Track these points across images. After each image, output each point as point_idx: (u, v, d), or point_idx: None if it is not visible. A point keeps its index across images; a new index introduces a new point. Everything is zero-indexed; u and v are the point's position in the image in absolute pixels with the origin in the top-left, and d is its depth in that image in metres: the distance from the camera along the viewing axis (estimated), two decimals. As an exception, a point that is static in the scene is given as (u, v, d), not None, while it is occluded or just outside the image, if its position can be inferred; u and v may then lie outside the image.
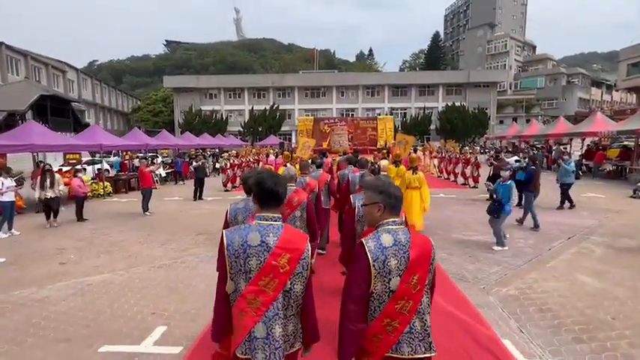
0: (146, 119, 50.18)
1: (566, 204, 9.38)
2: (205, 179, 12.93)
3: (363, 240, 1.75)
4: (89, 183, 12.68)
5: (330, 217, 5.86)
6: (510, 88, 56.93)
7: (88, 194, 12.57)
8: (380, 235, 1.75)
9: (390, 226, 1.78)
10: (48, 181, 8.58)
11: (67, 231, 8.10)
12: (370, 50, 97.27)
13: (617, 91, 61.03)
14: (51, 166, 9.27)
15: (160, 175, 17.44)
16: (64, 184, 11.26)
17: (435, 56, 70.68)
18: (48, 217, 8.66)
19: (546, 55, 60.04)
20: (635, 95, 52.13)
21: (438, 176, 17.79)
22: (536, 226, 7.22)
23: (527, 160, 8.80)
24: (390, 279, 1.69)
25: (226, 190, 14.33)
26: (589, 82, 55.94)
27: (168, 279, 4.99)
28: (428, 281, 1.78)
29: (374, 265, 1.68)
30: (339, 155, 13.31)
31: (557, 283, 4.53)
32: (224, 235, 1.75)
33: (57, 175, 9.11)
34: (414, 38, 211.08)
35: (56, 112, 27.10)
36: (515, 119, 50.73)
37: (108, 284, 4.84)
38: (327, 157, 11.43)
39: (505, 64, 58.10)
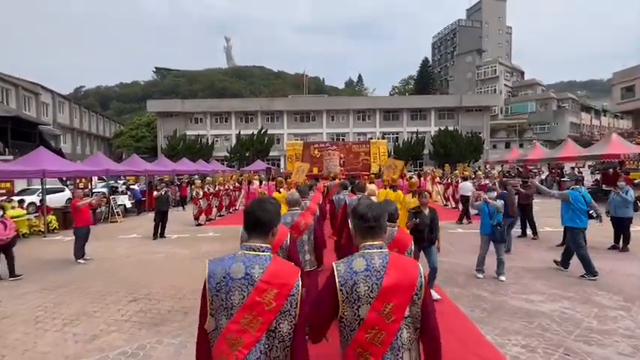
0: (128, 144, 48.13)
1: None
2: (181, 210, 10.70)
3: (334, 263, 1.65)
4: (23, 218, 10.22)
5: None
6: (501, 113, 56.64)
7: (24, 232, 10.16)
8: (353, 259, 1.62)
9: (366, 250, 1.64)
10: None
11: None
12: (359, 76, 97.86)
13: (605, 115, 61.68)
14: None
15: (125, 206, 15.05)
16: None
17: (425, 82, 70.71)
18: None
19: (535, 80, 60.40)
20: (622, 120, 52.50)
21: (444, 204, 15.74)
22: (507, 250, 7.08)
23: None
24: (360, 306, 1.54)
25: (198, 225, 11.93)
26: (579, 107, 56.03)
27: None
28: (409, 313, 1.56)
29: (341, 290, 1.55)
30: (329, 180, 13.20)
31: None
32: (207, 264, 1.57)
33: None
34: (401, 68, 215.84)
35: (20, 135, 24.61)
36: (508, 144, 50.08)
37: None
38: (318, 182, 11.35)
39: (495, 89, 58.09)
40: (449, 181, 15.61)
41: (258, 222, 1.63)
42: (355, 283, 1.54)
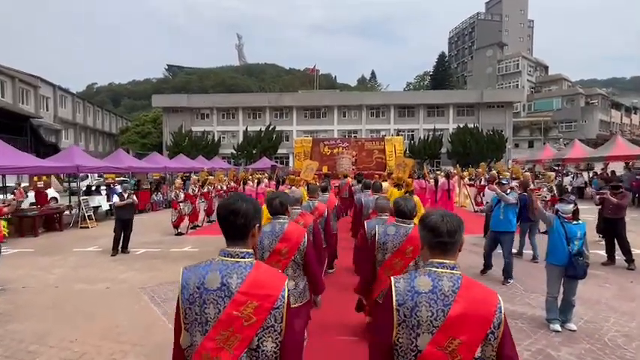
0: (134, 141, 47.03)
1: None
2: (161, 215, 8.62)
3: (392, 278, 1.44)
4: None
5: (337, 241, 5.87)
6: (524, 110, 53.26)
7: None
8: (417, 276, 1.39)
9: (433, 268, 1.38)
10: None
11: None
12: (372, 73, 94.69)
13: (635, 113, 57.64)
14: None
15: (101, 208, 13.04)
16: None
17: (442, 77, 67.48)
18: None
19: (561, 75, 56.62)
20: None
21: (475, 211, 13.29)
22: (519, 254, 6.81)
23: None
24: (419, 334, 1.30)
25: (178, 234, 9.77)
26: (609, 103, 52.23)
27: None
28: (482, 354, 1.27)
29: (398, 310, 1.34)
30: (340, 179, 13.01)
31: None
32: (181, 273, 1.41)
33: None
34: (415, 68, 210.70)
35: (8, 128, 23.00)
36: (531, 142, 46.99)
37: None
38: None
39: (517, 84, 54.68)
40: (481, 182, 13.14)
41: (231, 226, 1.42)
42: (416, 306, 1.32)
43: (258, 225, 1.46)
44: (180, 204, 9.69)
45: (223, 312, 1.29)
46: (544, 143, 44.11)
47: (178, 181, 9.88)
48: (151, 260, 7.14)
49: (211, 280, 1.32)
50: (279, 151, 39.09)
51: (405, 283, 1.36)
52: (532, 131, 48.59)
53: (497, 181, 6.34)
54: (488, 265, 5.93)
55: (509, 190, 5.85)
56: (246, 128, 39.89)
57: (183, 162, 19.89)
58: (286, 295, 1.35)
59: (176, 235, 9.72)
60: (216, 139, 40.47)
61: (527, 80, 57.13)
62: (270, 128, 38.72)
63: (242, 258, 1.38)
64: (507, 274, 5.57)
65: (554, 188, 8.60)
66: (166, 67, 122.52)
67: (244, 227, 1.41)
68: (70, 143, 38.84)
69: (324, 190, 6.75)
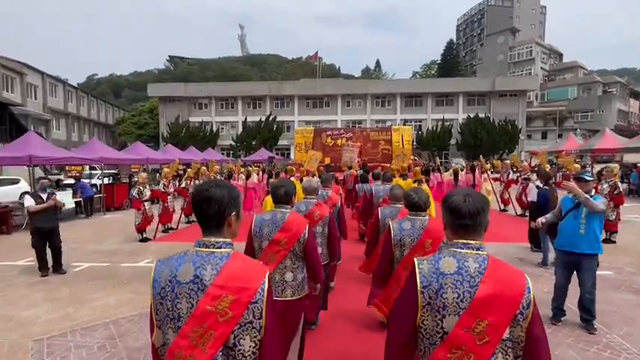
0: (130, 132, 45.32)
1: None
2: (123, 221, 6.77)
3: (415, 259, 1.40)
4: None
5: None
6: (537, 100, 50.72)
7: None
8: (441, 257, 1.34)
9: (458, 249, 1.34)
10: None
11: None
12: (377, 63, 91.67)
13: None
14: None
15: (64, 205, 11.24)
16: None
17: (450, 66, 64.74)
18: None
19: (577, 62, 53.80)
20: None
21: (501, 210, 11.37)
22: (544, 263, 5.78)
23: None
24: (445, 316, 1.27)
25: (144, 240, 7.92)
26: (628, 92, 49.53)
27: None
28: (510, 335, 1.24)
29: (422, 293, 1.30)
30: (345, 170, 13.23)
31: None
32: (154, 265, 1.31)
33: None
34: (421, 59, 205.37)
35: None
36: (544, 133, 44.71)
37: None
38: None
39: (530, 72, 52.00)
40: (509, 176, 11.17)
41: (205, 215, 1.31)
42: (441, 287, 1.28)
43: (234, 213, 1.33)
44: (145, 203, 7.81)
45: (196, 307, 1.18)
46: (559, 135, 41.83)
47: (142, 174, 8.01)
48: (86, 283, 5.29)
49: (184, 273, 1.22)
50: (280, 142, 37.25)
51: (429, 265, 1.32)
52: (546, 122, 46.24)
53: (576, 176, 4.25)
54: (560, 309, 3.94)
55: (592, 192, 3.90)
56: (246, 118, 38.05)
57: (171, 153, 18.02)
58: (266, 288, 1.24)
59: (140, 241, 7.87)
60: (214, 129, 38.74)
61: (541, 68, 54.44)
62: (270, 118, 36.82)
63: (218, 248, 1.27)
64: (589, 312, 3.77)
65: (619, 185, 6.62)
66: (168, 58, 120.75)
67: (218, 215, 1.29)
68: (60, 134, 37.22)
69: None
